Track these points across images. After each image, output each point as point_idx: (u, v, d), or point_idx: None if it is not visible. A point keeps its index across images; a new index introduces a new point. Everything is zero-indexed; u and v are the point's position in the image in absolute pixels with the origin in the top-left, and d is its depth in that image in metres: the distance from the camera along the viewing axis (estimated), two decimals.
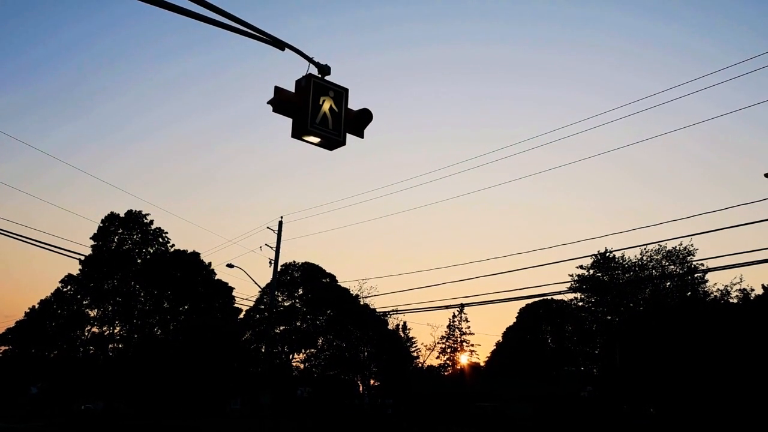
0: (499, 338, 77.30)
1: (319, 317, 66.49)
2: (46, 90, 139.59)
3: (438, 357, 75.78)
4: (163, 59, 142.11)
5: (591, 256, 57.39)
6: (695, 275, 53.97)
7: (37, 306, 65.45)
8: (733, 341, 44.08)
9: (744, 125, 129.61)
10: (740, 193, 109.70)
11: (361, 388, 70.33)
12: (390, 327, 69.89)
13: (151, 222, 69.09)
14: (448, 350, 75.17)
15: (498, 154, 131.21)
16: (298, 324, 66.61)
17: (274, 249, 41.60)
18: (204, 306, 64.83)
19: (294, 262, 69.42)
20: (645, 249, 56.83)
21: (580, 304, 62.01)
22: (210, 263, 67.09)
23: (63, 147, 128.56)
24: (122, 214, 68.97)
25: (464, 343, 75.34)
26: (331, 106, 8.67)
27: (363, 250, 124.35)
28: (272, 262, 41.71)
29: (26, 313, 65.79)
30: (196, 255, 67.29)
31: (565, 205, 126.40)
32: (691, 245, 55.29)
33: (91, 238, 67.87)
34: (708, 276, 54.83)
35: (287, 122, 8.50)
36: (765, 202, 17.28)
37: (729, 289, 53.29)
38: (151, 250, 68.23)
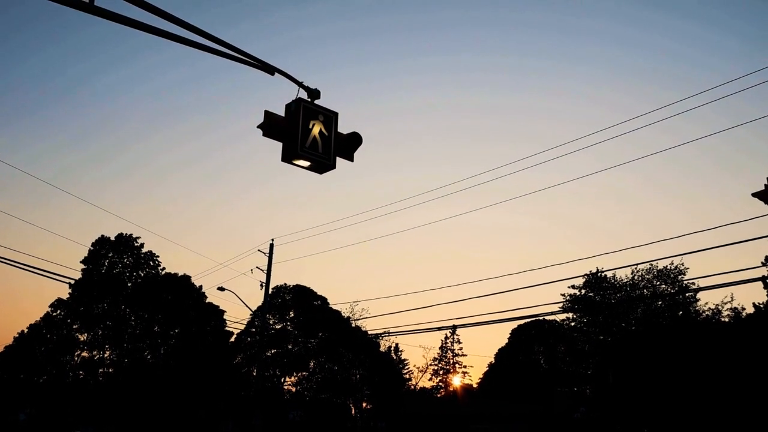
0: (492, 359, 77.06)
1: (311, 340, 66.14)
2: (36, 115, 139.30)
3: (430, 379, 75.58)
4: (152, 84, 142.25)
5: (582, 276, 57.46)
6: (687, 294, 54.06)
7: (26, 330, 64.74)
8: (725, 360, 44.11)
9: (733, 144, 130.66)
10: (729, 213, 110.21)
11: (353, 411, 69.88)
12: (382, 349, 69.69)
13: (142, 245, 68.69)
14: (441, 372, 74.95)
15: (489, 175, 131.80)
16: (290, 347, 66.23)
17: (266, 272, 41.41)
18: (195, 329, 64.23)
19: (285, 284, 69.13)
20: (636, 268, 56.97)
21: (573, 324, 61.93)
22: (201, 286, 66.65)
23: (51, 170, 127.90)
24: (113, 238, 68.61)
25: (457, 365, 75.18)
26: (320, 129, 8.73)
27: (354, 273, 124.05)
28: (263, 284, 41.53)
29: (15, 338, 64.98)
30: (187, 278, 66.80)
31: (556, 225, 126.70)
32: (682, 264, 55.44)
33: (81, 262, 67.34)
34: (699, 295, 54.91)
35: (277, 146, 8.54)
36: (754, 221, 17.42)
37: (720, 308, 53.39)
38: (142, 274, 67.74)
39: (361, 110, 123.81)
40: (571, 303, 58.85)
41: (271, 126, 8.40)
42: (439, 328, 32.42)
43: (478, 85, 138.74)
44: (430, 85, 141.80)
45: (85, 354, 64.52)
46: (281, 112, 8.64)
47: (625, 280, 57.79)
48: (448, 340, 75.05)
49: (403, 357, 73.96)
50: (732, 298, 54.10)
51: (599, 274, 57.42)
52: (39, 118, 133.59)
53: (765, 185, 16.49)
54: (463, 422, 48.90)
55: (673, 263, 55.45)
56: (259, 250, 41.63)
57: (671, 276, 55.97)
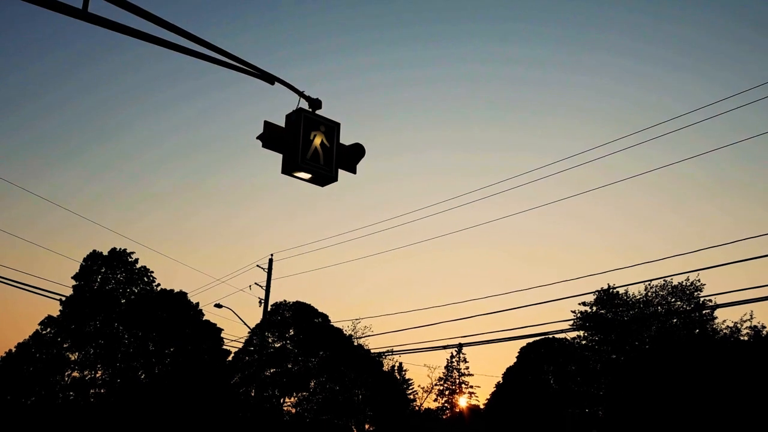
0: (499, 379, 75.04)
1: (312, 359, 64.63)
2: (29, 129, 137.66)
3: (435, 399, 73.72)
4: (149, 94, 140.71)
5: (594, 292, 55.94)
6: (703, 312, 52.47)
7: (14, 349, 62.97)
8: (744, 381, 42.83)
9: (752, 158, 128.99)
10: (748, 227, 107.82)
11: None
12: (385, 369, 68.11)
13: (136, 261, 67.08)
14: (446, 392, 73.11)
15: (497, 187, 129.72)
16: (290, 366, 64.67)
17: (264, 288, 40.58)
18: (191, 348, 62.69)
19: (285, 301, 67.75)
20: (650, 284, 55.29)
21: (584, 342, 60.31)
22: (197, 303, 65.09)
23: (43, 184, 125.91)
24: (105, 253, 66.99)
25: (463, 385, 73.31)
26: (322, 141, 8.62)
27: (356, 289, 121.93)
28: (262, 301, 40.64)
29: (2, 357, 63.14)
30: (183, 295, 65.24)
31: (566, 240, 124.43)
32: (698, 280, 53.61)
33: (72, 278, 65.79)
34: (716, 313, 53.17)
35: (277, 158, 8.48)
36: None
37: (739, 326, 51.65)
38: (136, 290, 66.12)
39: (364, 121, 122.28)
40: (582, 320, 57.27)
41: (270, 137, 8.25)
42: (445, 347, 31.44)
43: (485, 95, 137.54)
44: (433, 97, 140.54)
45: (75, 374, 62.76)
46: (282, 123, 8.51)
47: (639, 297, 56.22)
48: (453, 359, 73.36)
49: (407, 377, 72.44)
50: (751, 315, 52.32)
51: (611, 290, 55.81)
52: (33, 131, 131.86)
53: None
54: None
55: (688, 279, 53.73)
56: (257, 266, 41.13)
57: (687, 292, 54.27)
